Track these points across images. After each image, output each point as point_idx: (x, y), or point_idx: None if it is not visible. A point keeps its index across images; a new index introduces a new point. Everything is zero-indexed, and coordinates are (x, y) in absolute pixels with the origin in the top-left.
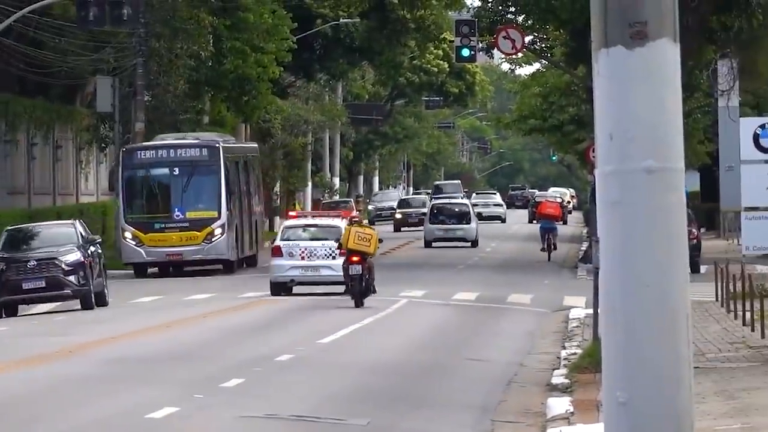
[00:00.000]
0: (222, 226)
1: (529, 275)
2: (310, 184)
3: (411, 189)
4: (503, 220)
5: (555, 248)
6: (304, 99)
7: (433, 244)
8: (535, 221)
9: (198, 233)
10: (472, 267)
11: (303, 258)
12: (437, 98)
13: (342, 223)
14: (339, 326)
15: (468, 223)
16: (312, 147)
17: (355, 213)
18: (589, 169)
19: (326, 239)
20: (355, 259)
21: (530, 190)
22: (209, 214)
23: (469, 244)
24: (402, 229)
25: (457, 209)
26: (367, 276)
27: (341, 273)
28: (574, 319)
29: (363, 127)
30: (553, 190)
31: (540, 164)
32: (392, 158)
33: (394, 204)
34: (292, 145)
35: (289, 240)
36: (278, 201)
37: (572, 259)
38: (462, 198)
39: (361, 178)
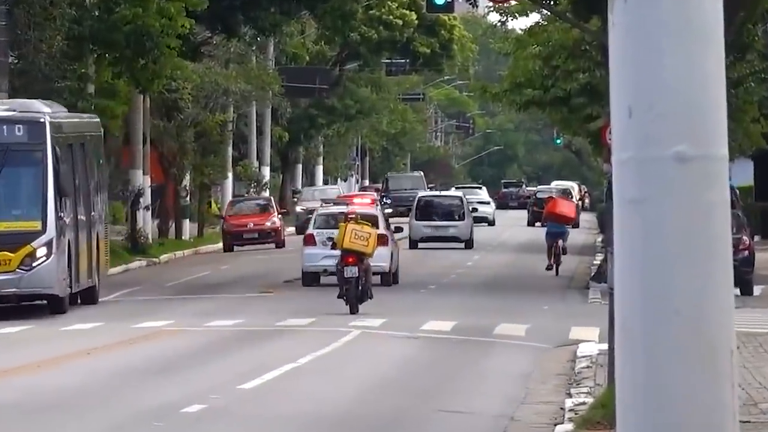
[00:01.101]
0: (48, 245)
1: (525, 298)
2: (230, 175)
3: (367, 182)
4: (491, 223)
5: (564, 253)
6: (222, 62)
7: (420, 245)
8: (539, 224)
9: (11, 255)
10: (447, 287)
11: None
12: (401, 60)
13: (379, 211)
14: (267, 366)
15: (461, 219)
16: (234, 126)
17: (351, 208)
18: (605, 155)
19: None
20: (350, 260)
21: (529, 188)
22: (29, 225)
23: (462, 244)
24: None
25: (448, 203)
26: (363, 279)
27: (377, 263)
28: (583, 357)
29: (302, 100)
30: (556, 185)
31: (540, 149)
32: (342, 141)
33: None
34: (206, 123)
35: (321, 228)
36: (188, 198)
37: (582, 276)
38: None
39: (300, 167)
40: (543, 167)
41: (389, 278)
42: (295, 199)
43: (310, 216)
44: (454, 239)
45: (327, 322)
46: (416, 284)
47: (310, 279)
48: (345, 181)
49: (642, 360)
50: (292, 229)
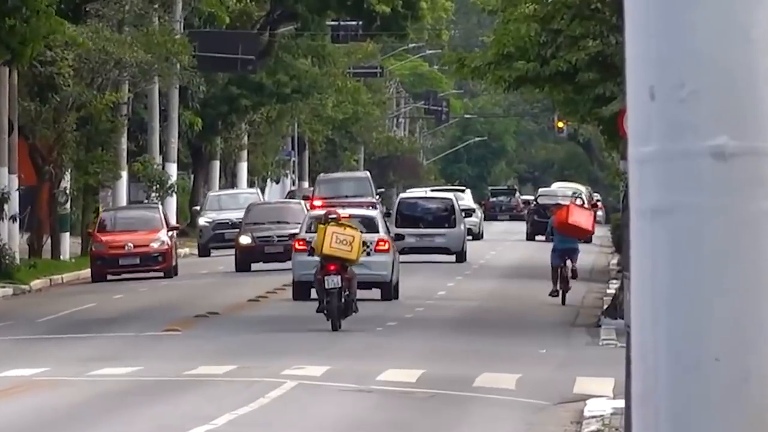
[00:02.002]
0: None
1: (516, 338)
2: (125, 175)
3: (306, 183)
4: (477, 236)
5: (575, 276)
6: (114, 23)
7: (402, 257)
8: (546, 237)
9: None
10: (412, 323)
11: None
12: (352, 22)
13: (378, 214)
14: (171, 429)
15: (452, 226)
16: (130, 110)
17: (332, 208)
18: (622, 150)
19: (361, 232)
20: (331, 267)
21: (524, 197)
22: None
23: (452, 257)
24: (251, 265)
25: (435, 207)
26: (347, 291)
27: (377, 272)
28: (592, 418)
29: (220, 75)
30: (558, 187)
31: (536, 141)
32: (273, 130)
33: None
34: (93, 105)
35: (314, 232)
36: (68, 205)
37: (591, 310)
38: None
39: (217, 165)
40: (540, 165)
41: (390, 291)
42: (196, 209)
43: (219, 232)
44: (442, 250)
45: (252, 369)
46: (371, 319)
47: (302, 291)
48: (277, 182)
49: (669, 424)
50: (186, 250)
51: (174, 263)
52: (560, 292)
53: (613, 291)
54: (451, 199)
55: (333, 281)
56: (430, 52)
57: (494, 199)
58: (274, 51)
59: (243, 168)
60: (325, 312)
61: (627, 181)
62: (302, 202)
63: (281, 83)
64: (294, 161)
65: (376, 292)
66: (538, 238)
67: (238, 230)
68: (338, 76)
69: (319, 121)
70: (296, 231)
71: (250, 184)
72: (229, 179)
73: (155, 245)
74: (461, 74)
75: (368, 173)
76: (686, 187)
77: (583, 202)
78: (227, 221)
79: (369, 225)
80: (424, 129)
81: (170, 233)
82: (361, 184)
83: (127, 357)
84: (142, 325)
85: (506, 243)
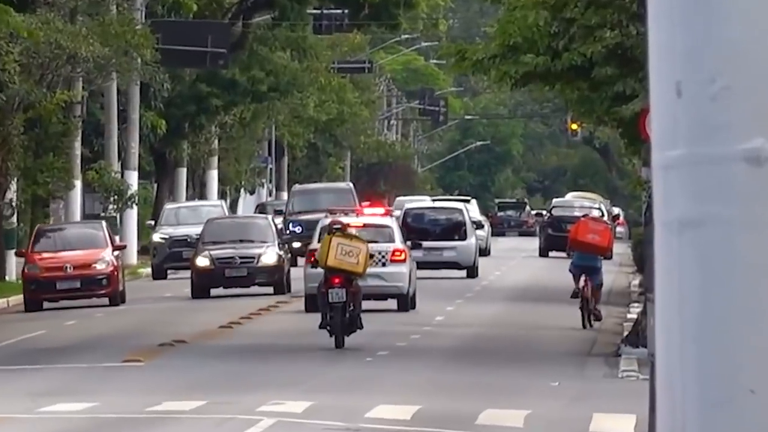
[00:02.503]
0: None
1: (524, 369)
2: (79, 184)
3: (285, 194)
4: (485, 252)
5: (597, 300)
6: (67, 13)
7: None
8: (567, 253)
9: None
10: (406, 353)
11: None
12: (337, 11)
13: (394, 223)
14: None
15: (462, 239)
16: (84, 110)
17: (338, 218)
18: (645, 155)
19: (375, 242)
20: (336, 281)
21: (536, 211)
22: None
23: (463, 272)
24: (210, 291)
25: (444, 218)
26: (352, 305)
27: (393, 283)
28: None
29: (187, 71)
30: (574, 197)
31: (546, 146)
32: (247, 134)
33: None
34: (43, 105)
35: None
36: (14, 218)
37: (610, 336)
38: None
39: (184, 173)
40: (551, 173)
41: (406, 302)
42: (151, 223)
43: (176, 250)
44: (451, 265)
45: (224, 405)
46: (360, 348)
47: (315, 303)
48: (252, 193)
49: None
50: (148, 269)
51: (121, 288)
52: (581, 313)
53: (634, 315)
54: (461, 210)
55: (337, 295)
56: (426, 44)
57: (502, 213)
58: (249, 43)
59: (213, 177)
60: (328, 328)
61: (650, 191)
62: (269, 217)
63: (256, 80)
64: (271, 169)
65: (391, 303)
66: (552, 254)
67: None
68: (321, 72)
69: (299, 123)
70: (262, 251)
71: (221, 195)
72: (198, 189)
73: (99, 266)
74: (461, 69)
75: (351, 184)
76: (717, 196)
77: (602, 214)
78: (185, 238)
79: (384, 234)
80: (418, 132)
81: (116, 253)
82: (343, 196)
83: (82, 391)
84: (98, 355)
85: (515, 260)
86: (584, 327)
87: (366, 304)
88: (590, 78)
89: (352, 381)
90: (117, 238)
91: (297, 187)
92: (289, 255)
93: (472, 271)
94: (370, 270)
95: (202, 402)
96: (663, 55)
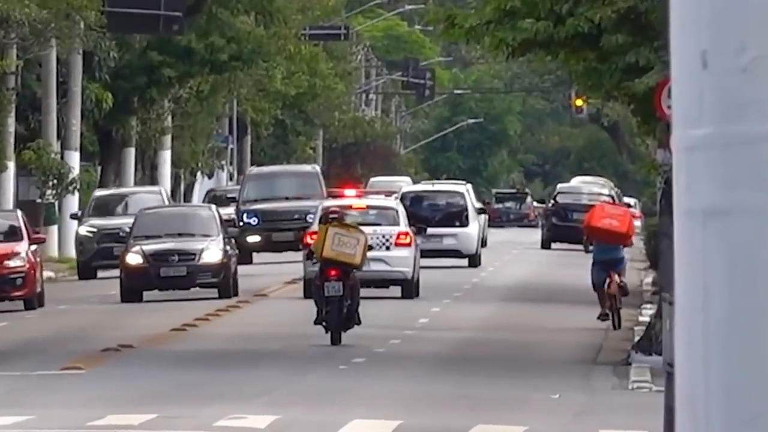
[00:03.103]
0: None
1: (520, 379)
2: (12, 166)
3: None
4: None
5: (625, 294)
6: None
7: None
8: (585, 248)
9: None
10: (385, 359)
11: None
12: None
13: (399, 206)
14: None
15: (464, 225)
16: (18, 82)
17: (333, 206)
18: (661, 135)
19: (379, 224)
20: (332, 273)
21: (539, 204)
22: None
23: (465, 260)
24: (144, 293)
25: (444, 202)
26: (349, 300)
27: (397, 268)
28: None
29: (137, 37)
30: (582, 182)
31: (547, 124)
32: (205, 110)
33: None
34: None
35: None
36: None
37: (618, 342)
38: (399, 193)
39: (132, 154)
40: (552, 156)
41: (411, 289)
42: (77, 213)
43: (106, 246)
44: (452, 254)
45: (177, 419)
46: (333, 355)
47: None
48: (210, 177)
49: None
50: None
51: (38, 289)
52: (611, 315)
53: (647, 319)
54: (463, 193)
55: (334, 288)
56: (410, 7)
57: (500, 205)
58: (207, 6)
59: (166, 158)
60: (324, 324)
61: (667, 176)
62: (214, 207)
63: (216, 48)
64: (232, 149)
65: (395, 290)
66: (555, 246)
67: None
68: (290, 39)
69: (264, 97)
70: (204, 246)
71: (175, 179)
72: (148, 173)
73: (13, 263)
74: (450, 37)
75: (317, 167)
76: (749, 181)
77: (614, 199)
78: (116, 231)
79: (388, 217)
80: (401, 108)
81: (33, 247)
82: (307, 181)
83: (16, 403)
84: (34, 362)
85: (512, 254)
86: (616, 327)
87: (366, 292)
88: (598, 47)
89: (323, 392)
90: (55, 228)
91: (252, 170)
92: (237, 251)
93: (475, 260)
94: (373, 254)
95: (152, 415)
96: (686, 20)
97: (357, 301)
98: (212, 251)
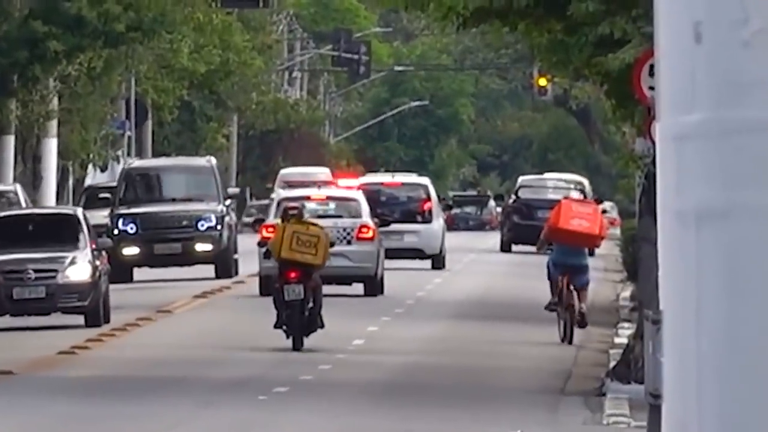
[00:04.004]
0: None
1: (475, 412)
2: None
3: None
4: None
5: (583, 325)
6: None
7: None
8: (537, 248)
9: None
10: (310, 389)
11: None
12: None
13: (361, 197)
14: None
15: (426, 220)
16: None
17: (291, 200)
18: (641, 122)
19: (339, 217)
20: (292, 275)
21: (500, 206)
22: None
23: (428, 261)
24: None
25: (405, 195)
26: (311, 302)
27: (359, 263)
28: None
29: (16, 3)
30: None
31: (504, 107)
32: (99, 90)
33: None
34: None
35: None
36: None
37: (590, 368)
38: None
39: (11, 142)
40: (511, 145)
41: (374, 286)
42: None
43: None
44: (413, 253)
45: None
46: (250, 383)
47: (270, 286)
48: (103, 170)
49: None
50: None
51: None
52: (564, 332)
53: (624, 340)
54: (426, 186)
55: (294, 292)
56: None
57: (458, 210)
58: None
59: (51, 148)
60: (284, 327)
61: (648, 170)
62: (80, 210)
63: (110, 16)
64: (129, 137)
65: (357, 288)
66: (516, 249)
67: None
68: (198, 7)
69: (168, 75)
70: (68, 261)
71: (62, 173)
72: (30, 164)
73: None
74: (389, 3)
75: (213, 161)
76: (750, 177)
77: (585, 196)
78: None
79: (350, 209)
80: (331, 88)
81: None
82: (200, 178)
83: None
84: None
85: (464, 261)
86: (563, 340)
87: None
88: (565, 16)
89: (239, 427)
90: None
91: (131, 163)
92: (108, 267)
93: (438, 261)
94: (334, 249)
95: None
96: None
97: (320, 303)
98: (78, 267)
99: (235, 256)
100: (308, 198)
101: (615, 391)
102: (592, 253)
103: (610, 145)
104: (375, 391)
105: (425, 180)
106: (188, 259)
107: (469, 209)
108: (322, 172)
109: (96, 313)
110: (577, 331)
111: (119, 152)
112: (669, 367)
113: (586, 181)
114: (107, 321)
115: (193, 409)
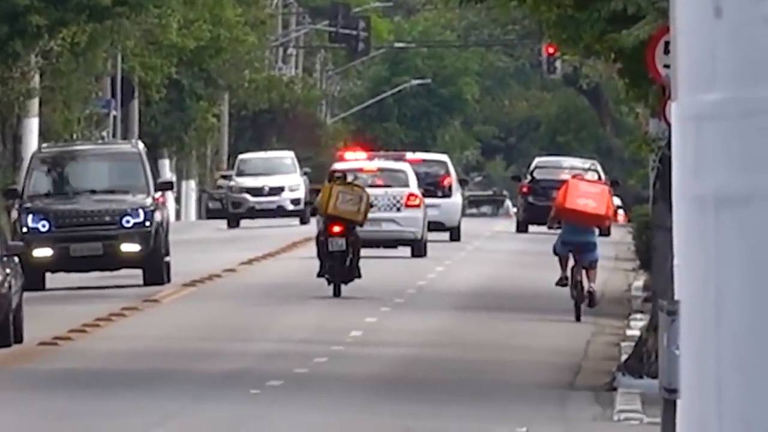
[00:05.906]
0: None
1: (479, 408)
2: None
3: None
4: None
5: (592, 304)
6: None
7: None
8: (548, 225)
9: None
10: (305, 382)
11: None
12: None
13: (409, 168)
14: None
15: (446, 195)
16: None
17: (337, 166)
18: (655, 102)
19: (389, 186)
20: (336, 229)
21: (509, 203)
22: None
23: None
24: None
25: (424, 172)
26: (351, 254)
27: (407, 228)
28: None
29: None
30: (561, 159)
31: (511, 87)
32: (83, 67)
33: None
34: None
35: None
36: None
37: (600, 362)
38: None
39: None
40: (518, 127)
41: (421, 248)
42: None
43: None
44: (434, 225)
45: None
46: (243, 376)
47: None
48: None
49: None
50: None
51: None
52: (572, 286)
53: (637, 332)
54: (445, 162)
55: (337, 243)
56: None
57: (474, 210)
58: None
59: (32, 127)
60: (327, 276)
61: (662, 153)
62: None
63: None
64: (115, 117)
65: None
66: (532, 229)
67: None
68: None
69: (156, 52)
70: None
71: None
72: (10, 146)
73: None
74: None
75: (141, 145)
76: None
77: (599, 176)
78: None
79: (399, 179)
80: (328, 66)
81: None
82: (126, 167)
83: None
84: None
85: (474, 244)
86: (578, 319)
87: (374, 251)
88: None
89: (230, 422)
90: None
91: (44, 149)
92: (21, 272)
93: (457, 234)
94: (384, 215)
95: None
96: None
97: (358, 255)
98: None
99: (167, 258)
100: (361, 170)
101: (627, 386)
102: (608, 233)
103: (622, 127)
104: (373, 385)
105: (445, 157)
106: (111, 261)
107: (485, 209)
108: (287, 156)
109: (4, 332)
110: (586, 323)
111: (104, 133)
112: (685, 361)
113: (599, 166)
114: (19, 341)
115: (182, 404)
